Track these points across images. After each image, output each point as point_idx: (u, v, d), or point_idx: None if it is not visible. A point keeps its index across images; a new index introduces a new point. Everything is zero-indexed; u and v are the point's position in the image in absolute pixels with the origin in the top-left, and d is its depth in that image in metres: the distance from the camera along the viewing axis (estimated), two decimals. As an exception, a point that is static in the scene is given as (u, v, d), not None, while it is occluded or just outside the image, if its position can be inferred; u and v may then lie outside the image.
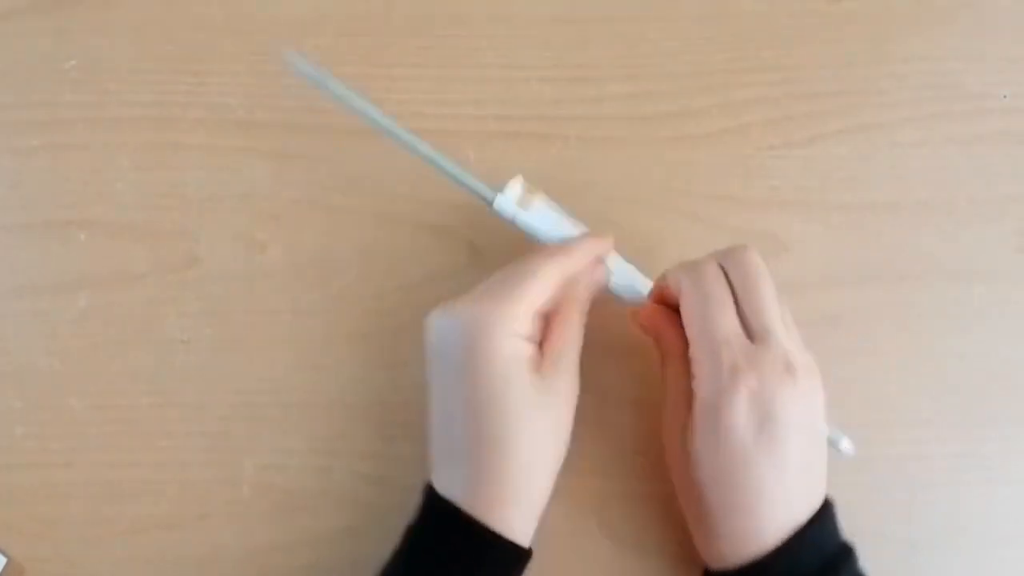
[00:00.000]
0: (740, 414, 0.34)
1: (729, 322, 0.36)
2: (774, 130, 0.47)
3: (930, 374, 0.44)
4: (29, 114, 0.47)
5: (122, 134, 0.46)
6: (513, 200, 0.39)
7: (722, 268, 0.37)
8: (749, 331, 0.36)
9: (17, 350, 0.44)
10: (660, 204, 0.46)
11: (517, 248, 0.40)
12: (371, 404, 0.43)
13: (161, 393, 0.43)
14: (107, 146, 0.46)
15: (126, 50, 0.48)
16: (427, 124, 0.46)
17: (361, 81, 0.47)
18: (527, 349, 0.36)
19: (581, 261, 0.38)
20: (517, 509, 0.36)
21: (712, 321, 0.36)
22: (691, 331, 0.36)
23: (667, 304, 0.39)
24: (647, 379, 0.42)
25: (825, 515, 0.36)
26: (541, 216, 0.39)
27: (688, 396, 0.36)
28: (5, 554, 0.41)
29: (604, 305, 0.40)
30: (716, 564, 0.36)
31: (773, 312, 0.36)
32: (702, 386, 0.35)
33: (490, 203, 0.39)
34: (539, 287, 0.36)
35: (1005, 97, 0.47)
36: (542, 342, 0.37)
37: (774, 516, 0.35)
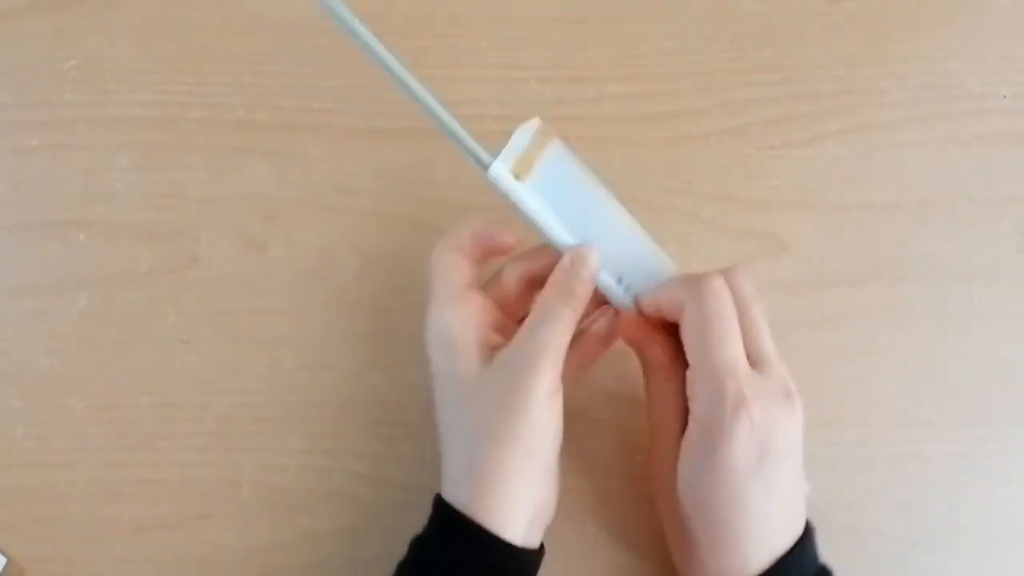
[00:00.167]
0: (740, 442, 0.33)
1: (737, 347, 0.34)
2: (774, 130, 0.47)
3: (930, 374, 0.44)
4: (29, 114, 0.47)
5: (122, 134, 0.47)
6: (510, 167, 0.36)
7: None
8: (748, 356, 0.35)
9: (17, 350, 0.44)
10: (660, 204, 0.46)
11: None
12: (371, 404, 0.43)
13: (161, 393, 0.43)
14: (107, 146, 0.46)
15: (126, 50, 0.48)
16: (427, 124, 0.46)
17: (361, 81, 0.47)
18: (472, 333, 0.36)
19: (542, 263, 0.38)
20: (467, 486, 0.35)
21: (720, 344, 0.34)
22: (694, 353, 0.35)
23: (654, 315, 0.37)
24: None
25: (807, 541, 0.35)
26: (543, 193, 0.36)
27: (677, 417, 0.36)
28: (5, 554, 0.41)
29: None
30: None
31: (768, 336, 0.36)
32: (700, 411, 0.34)
33: (486, 167, 0.36)
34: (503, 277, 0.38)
35: (1005, 97, 0.47)
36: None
37: (759, 543, 0.34)
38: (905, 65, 0.48)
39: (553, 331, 0.35)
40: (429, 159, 0.46)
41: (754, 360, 0.35)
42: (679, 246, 0.45)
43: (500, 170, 0.36)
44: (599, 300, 0.39)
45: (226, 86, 0.47)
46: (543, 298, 0.37)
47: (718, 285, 0.35)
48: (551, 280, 0.37)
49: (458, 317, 0.36)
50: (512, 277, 0.39)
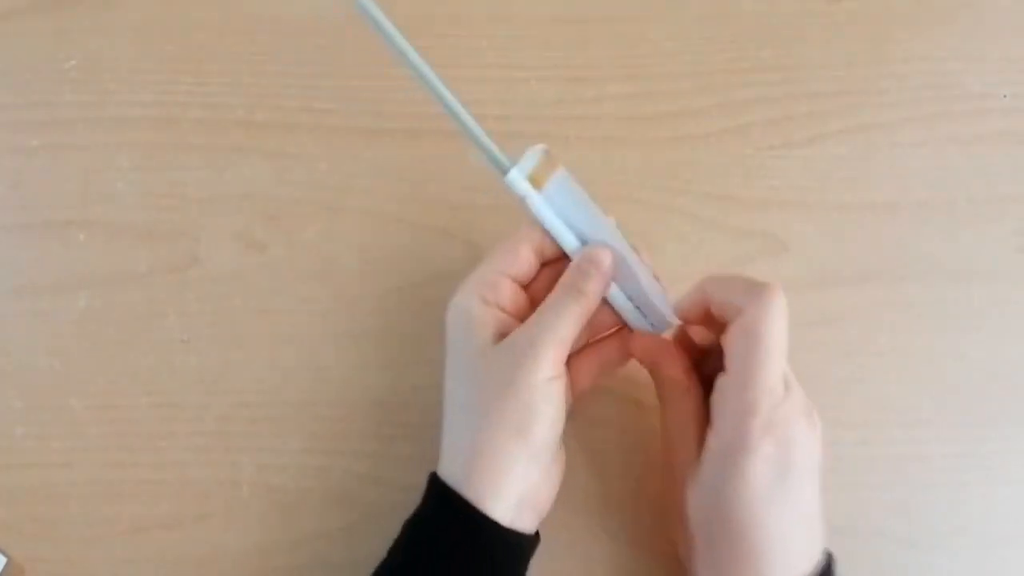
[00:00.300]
0: (764, 459, 0.33)
1: (782, 367, 0.34)
2: (774, 130, 0.47)
3: (930, 374, 0.44)
4: (29, 114, 0.47)
5: (122, 134, 0.47)
6: (527, 173, 0.37)
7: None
8: None
9: (17, 350, 0.44)
10: (660, 204, 0.46)
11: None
12: (370, 404, 0.43)
13: (161, 393, 0.43)
14: (107, 146, 0.46)
15: (126, 50, 0.48)
16: (427, 124, 0.46)
17: (361, 81, 0.47)
18: (490, 313, 0.37)
19: (555, 249, 0.38)
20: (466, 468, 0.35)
21: (769, 360, 0.33)
22: (736, 360, 0.34)
23: (694, 309, 0.37)
24: (648, 378, 0.42)
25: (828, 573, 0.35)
26: (557, 202, 0.38)
27: (696, 430, 0.36)
28: (5, 554, 0.41)
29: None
30: None
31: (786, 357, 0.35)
32: (725, 424, 0.34)
33: (505, 171, 0.37)
34: (509, 256, 0.37)
35: (1005, 97, 0.47)
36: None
37: (773, 564, 0.33)
38: (905, 65, 0.48)
39: (558, 320, 0.36)
40: (429, 159, 0.46)
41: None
42: (679, 246, 0.45)
43: (518, 176, 0.37)
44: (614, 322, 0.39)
45: (226, 86, 0.47)
46: (554, 291, 0.37)
47: (783, 300, 0.34)
48: (563, 275, 0.37)
49: (485, 295, 0.37)
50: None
